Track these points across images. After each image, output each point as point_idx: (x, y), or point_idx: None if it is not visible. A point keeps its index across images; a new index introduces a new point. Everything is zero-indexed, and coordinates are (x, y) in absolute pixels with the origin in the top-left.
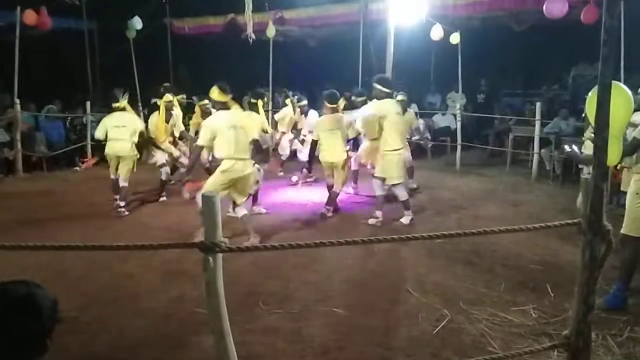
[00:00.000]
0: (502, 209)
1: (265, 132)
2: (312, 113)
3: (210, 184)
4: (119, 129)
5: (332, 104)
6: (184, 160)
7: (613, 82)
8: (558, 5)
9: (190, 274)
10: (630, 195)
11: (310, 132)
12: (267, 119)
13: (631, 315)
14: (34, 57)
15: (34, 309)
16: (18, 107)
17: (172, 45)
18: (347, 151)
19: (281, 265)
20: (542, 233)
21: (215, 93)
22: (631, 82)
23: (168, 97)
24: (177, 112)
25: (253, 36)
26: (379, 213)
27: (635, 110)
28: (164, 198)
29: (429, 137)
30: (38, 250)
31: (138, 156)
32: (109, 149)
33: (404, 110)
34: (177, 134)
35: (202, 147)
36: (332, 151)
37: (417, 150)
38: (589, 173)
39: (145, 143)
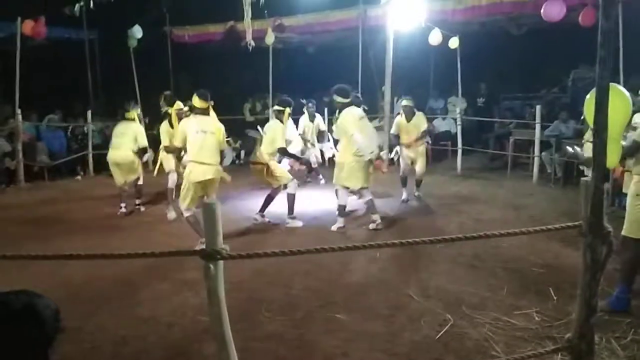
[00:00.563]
0: (504, 213)
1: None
2: (318, 117)
3: (183, 194)
4: (120, 137)
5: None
6: None
7: (611, 84)
8: (556, 9)
9: (193, 281)
10: (630, 197)
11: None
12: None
13: (634, 318)
14: (35, 68)
15: (35, 318)
16: (19, 117)
17: (172, 54)
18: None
19: (283, 271)
20: (543, 236)
21: (195, 100)
22: (630, 84)
23: (179, 104)
24: None
25: (253, 43)
26: (376, 216)
27: (635, 112)
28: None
29: (429, 142)
30: (39, 259)
31: (139, 162)
32: (109, 156)
33: (412, 115)
34: None
35: (179, 148)
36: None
37: None
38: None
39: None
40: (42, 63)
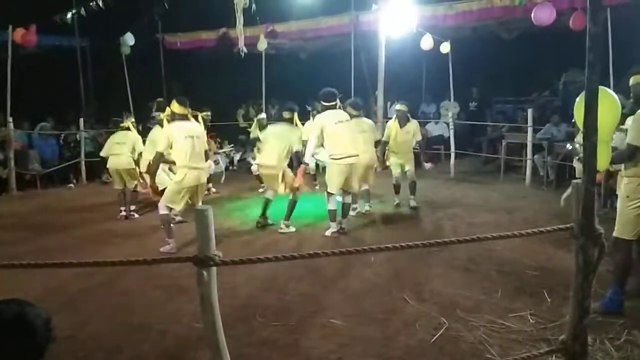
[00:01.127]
0: (497, 216)
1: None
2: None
3: (169, 195)
4: (120, 145)
5: (356, 110)
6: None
7: (600, 87)
8: (546, 13)
9: (187, 287)
10: (620, 199)
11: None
12: None
13: (628, 319)
14: (27, 76)
15: (27, 327)
16: (11, 125)
17: (164, 61)
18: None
19: (277, 277)
20: (537, 238)
21: (175, 106)
22: (620, 87)
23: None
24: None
25: (245, 50)
26: (333, 224)
27: (628, 115)
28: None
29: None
30: (31, 268)
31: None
32: (110, 164)
33: (406, 121)
34: None
35: (161, 154)
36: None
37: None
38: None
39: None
40: (34, 71)
